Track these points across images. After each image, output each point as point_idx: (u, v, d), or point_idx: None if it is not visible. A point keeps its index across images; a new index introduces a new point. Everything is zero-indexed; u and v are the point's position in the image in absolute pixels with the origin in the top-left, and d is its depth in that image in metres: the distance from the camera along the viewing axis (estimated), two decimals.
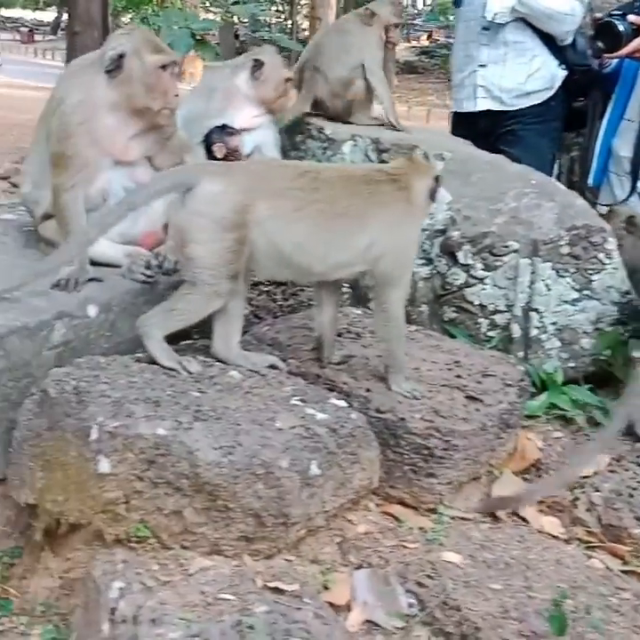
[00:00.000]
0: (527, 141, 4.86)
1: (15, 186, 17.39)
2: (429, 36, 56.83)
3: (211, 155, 4.27)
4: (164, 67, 3.41)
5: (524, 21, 4.93)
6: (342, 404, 3.14)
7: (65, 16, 39.35)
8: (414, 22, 57.36)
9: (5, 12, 64.15)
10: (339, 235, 3.08)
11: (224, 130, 4.35)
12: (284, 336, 3.67)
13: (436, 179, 3.26)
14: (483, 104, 5.13)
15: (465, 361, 3.59)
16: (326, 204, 3.05)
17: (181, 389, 2.99)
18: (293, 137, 4.86)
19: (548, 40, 4.96)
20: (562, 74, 5.01)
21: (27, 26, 52.99)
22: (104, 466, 2.75)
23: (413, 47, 54.55)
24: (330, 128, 4.67)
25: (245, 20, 23.93)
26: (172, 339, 3.34)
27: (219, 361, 3.26)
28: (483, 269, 3.92)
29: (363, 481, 3.04)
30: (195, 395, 2.97)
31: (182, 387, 3.02)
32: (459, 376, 3.47)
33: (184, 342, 3.46)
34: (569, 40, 4.99)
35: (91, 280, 3.33)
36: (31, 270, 3.24)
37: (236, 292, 3.14)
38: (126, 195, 3.10)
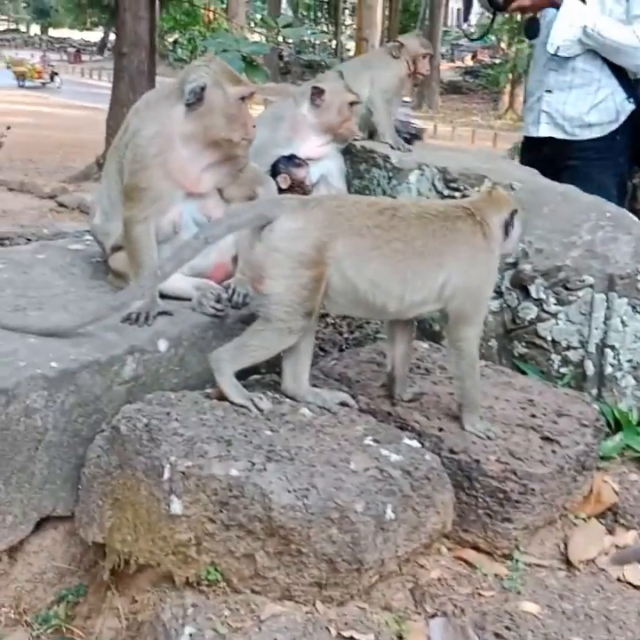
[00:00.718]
0: (589, 176, 4.70)
1: (62, 205, 17.63)
2: (474, 57, 56.96)
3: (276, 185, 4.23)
4: (243, 98, 3.37)
5: (602, 59, 4.82)
6: (416, 444, 3.05)
7: (112, 36, 39.91)
8: (459, 43, 57.53)
9: (53, 32, 65.31)
10: (415, 274, 3.00)
11: (291, 160, 4.31)
12: (353, 371, 3.59)
13: (512, 213, 3.17)
14: (545, 130, 5.03)
15: (539, 399, 3.49)
16: (403, 243, 2.98)
17: (253, 428, 2.93)
18: (357, 165, 4.80)
19: (619, 72, 4.83)
20: (629, 108, 4.87)
21: (74, 46, 53.83)
22: (176, 507, 2.69)
23: (458, 67, 54.71)
24: (395, 157, 4.60)
25: (291, 42, 24.07)
26: (241, 373, 3.28)
27: (289, 398, 3.20)
28: (556, 304, 3.82)
29: (436, 525, 2.94)
30: (267, 433, 2.91)
31: (254, 425, 2.95)
32: (533, 415, 3.37)
33: (253, 377, 3.41)
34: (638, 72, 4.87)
35: (161, 313, 3.29)
36: (103, 303, 3.20)
37: (308, 329, 3.07)
38: (203, 228, 3.05)
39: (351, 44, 44.17)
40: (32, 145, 24.12)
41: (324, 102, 4.52)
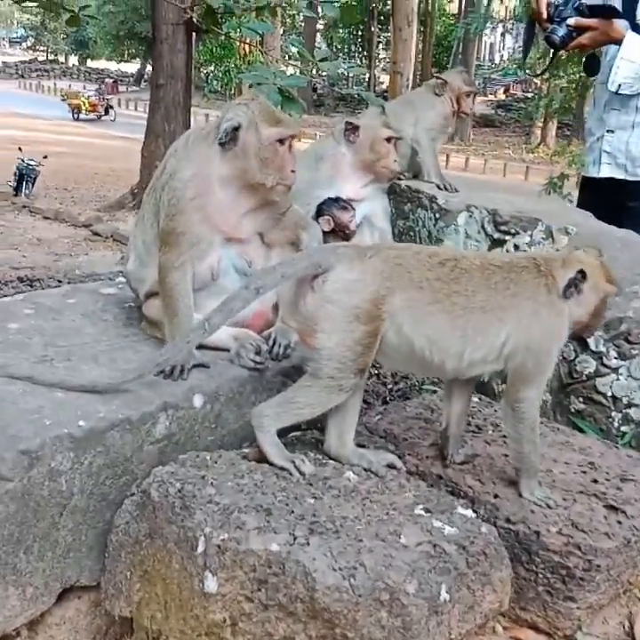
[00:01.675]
0: None
1: (96, 234, 17.61)
2: (506, 90, 57.02)
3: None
4: (281, 141, 3.18)
5: None
6: (470, 514, 2.81)
7: (148, 67, 40.27)
8: (492, 76, 57.58)
9: (91, 64, 66.18)
10: (476, 331, 2.77)
11: (336, 203, 4.11)
12: (399, 428, 3.36)
13: (580, 272, 2.88)
14: (606, 171, 4.79)
15: (600, 462, 3.23)
16: (464, 297, 2.75)
17: (294, 494, 2.70)
18: (401, 205, 4.60)
19: None
20: None
21: (111, 77, 54.44)
22: (211, 584, 2.47)
23: (490, 101, 54.74)
24: (442, 197, 4.39)
25: (326, 75, 24.11)
26: (282, 430, 3.07)
27: (332, 459, 2.97)
28: (616, 358, 3.57)
29: (493, 604, 2.69)
30: (309, 501, 2.68)
31: (295, 491, 2.73)
32: (595, 480, 3.11)
33: (293, 434, 3.19)
34: None
35: (196, 366, 3.08)
36: (145, 359, 3.02)
37: (358, 386, 2.85)
38: (253, 277, 2.83)
39: (385, 77, 44.31)
40: (68, 174, 24.31)
41: (359, 138, 4.34)
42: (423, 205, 4.45)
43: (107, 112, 42.24)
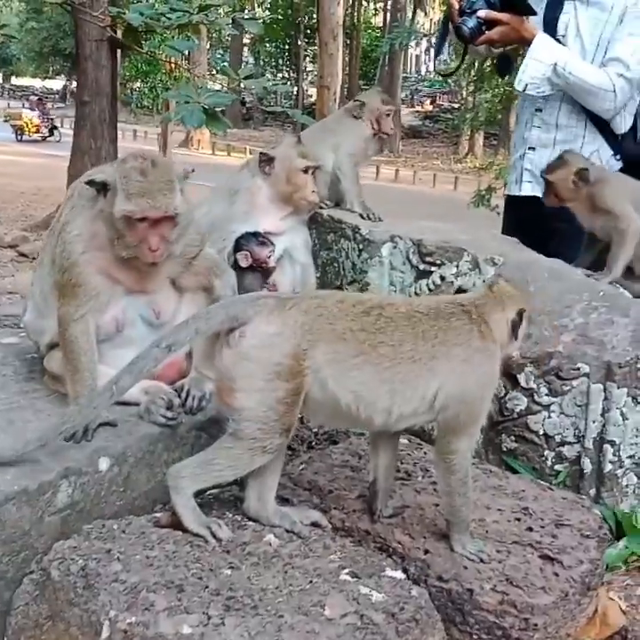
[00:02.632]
0: (577, 239, 4.35)
1: (23, 254, 17.18)
2: (433, 101, 57.55)
3: (236, 262, 3.83)
4: (139, 218, 2.86)
5: (579, 105, 4.50)
6: (399, 575, 2.64)
7: (74, 84, 39.62)
8: (418, 88, 58.12)
9: (16, 81, 65.10)
10: (404, 383, 2.60)
11: (255, 238, 3.91)
12: (325, 478, 3.17)
13: (520, 312, 2.76)
14: (528, 188, 4.70)
15: (534, 507, 3.09)
16: (391, 348, 2.58)
17: (209, 565, 2.50)
18: (324, 235, 4.43)
19: (604, 127, 4.51)
20: (616, 165, 4.55)
21: (36, 94, 53.50)
22: None
23: (417, 112, 55.15)
24: (366, 228, 4.23)
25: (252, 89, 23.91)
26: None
27: (252, 520, 2.77)
28: (548, 394, 3.44)
29: None
30: (226, 573, 2.48)
31: (210, 561, 2.53)
32: (530, 528, 2.97)
33: (210, 492, 2.98)
34: (622, 126, 4.55)
35: (102, 425, 2.85)
36: (47, 425, 2.77)
37: (283, 445, 2.66)
38: (164, 334, 2.60)
39: (313, 91, 44.35)
40: None
41: (274, 170, 4.11)
42: (346, 236, 4.29)
43: (51, 133, 40.36)
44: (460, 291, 3.02)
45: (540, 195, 4.57)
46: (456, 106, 50.40)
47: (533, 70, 4.35)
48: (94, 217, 2.92)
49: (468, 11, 4.26)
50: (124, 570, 2.42)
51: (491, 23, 4.28)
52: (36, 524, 2.58)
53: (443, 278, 3.94)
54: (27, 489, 2.56)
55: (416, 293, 4.02)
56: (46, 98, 53.72)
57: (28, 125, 40.22)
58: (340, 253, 4.33)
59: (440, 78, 47.10)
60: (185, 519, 2.65)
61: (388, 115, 4.74)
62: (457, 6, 4.31)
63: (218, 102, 6.63)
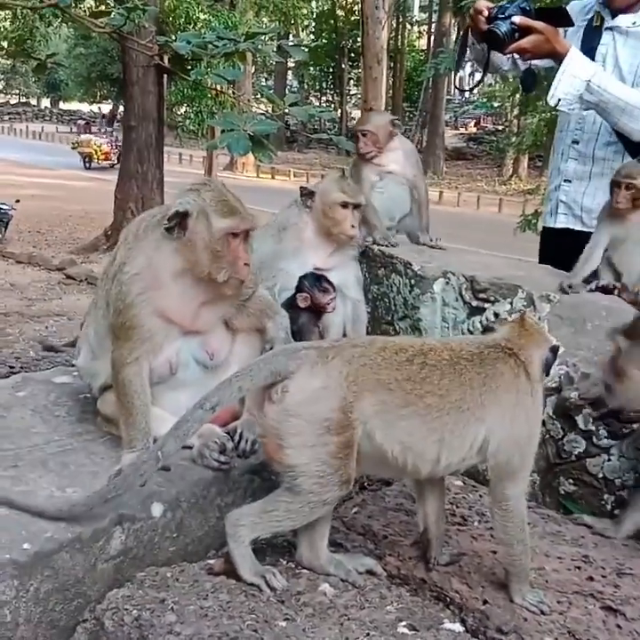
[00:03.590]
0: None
1: (70, 277, 17.37)
2: (477, 123, 57.51)
3: (292, 299, 3.80)
4: (234, 234, 2.94)
5: (617, 139, 4.40)
6: (458, 628, 2.57)
7: (121, 108, 40.04)
8: (463, 109, 58.07)
9: (64, 105, 66.19)
10: (453, 433, 2.54)
11: (319, 283, 3.86)
12: (379, 523, 3.11)
13: (553, 349, 2.72)
14: (562, 221, 4.63)
15: (595, 555, 3.00)
16: (438, 398, 2.52)
17: (264, 616, 2.45)
18: (375, 270, 4.39)
19: None
20: None
21: (84, 118, 54.30)
22: None
23: (461, 134, 55.13)
24: (418, 263, 4.17)
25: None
26: None
27: (305, 568, 2.72)
28: (607, 437, 3.35)
29: None
30: (281, 625, 2.43)
31: (265, 611, 2.48)
32: (591, 578, 2.88)
33: (263, 537, 2.93)
34: None
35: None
36: (94, 463, 2.82)
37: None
38: (207, 394, 2.55)
39: (356, 113, 44.46)
40: (41, 217, 24.11)
41: (314, 204, 4.05)
42: (398, 271, 4.24)
43: (119, 160, 40.51)
44: (487, 329, 2.95)
45: (574, 227, 4.49)
46: (500, 128, 50.32)
47: (567, 85, 4.21)
48: (156, 254, 2.92)
49: (502, 16, 4.14)
50: (178, 621, 2.38)
51: (524, 31, 4.17)
52: (90, 572, 2.56)
53: (497, 315, 3.87)
54: (80, 536, 2.54)
55: (469, 331, 3.96)
56: (93, 122, 54.53)
57: (96, 152, 39.93)
58: (391, 288, 4.28)
59: (484, 100, 47.05)
60: (240, 568, 2.61)
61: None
62: (486, 13, 4.18)
63: (264, 130, 6.63)
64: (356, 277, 4.11)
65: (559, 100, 4.21)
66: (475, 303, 3.96)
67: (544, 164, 37.76)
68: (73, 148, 41.16)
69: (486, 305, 3.92)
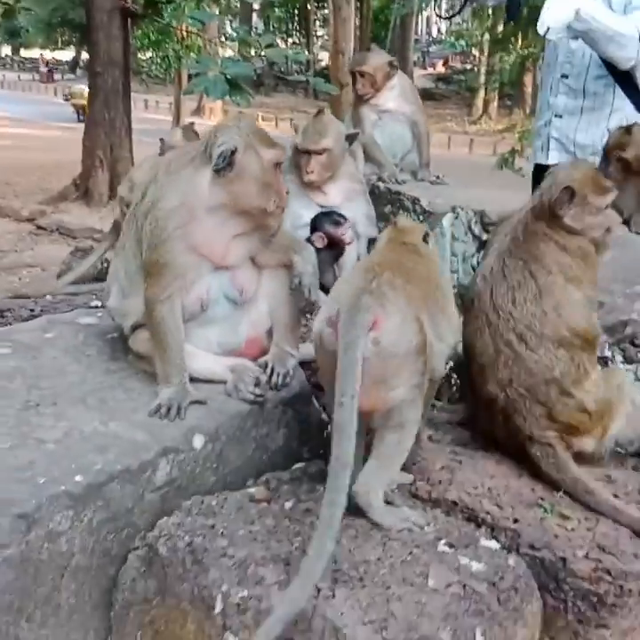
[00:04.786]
0: None
1: (41, 228, 17.18)
2: (445, 63, 56.99)
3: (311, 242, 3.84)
4: (278, 163, 2.99)
5: (608, 71, 4.41)
6: (494, 545, 2.67)
7: (84, 55, 39.14)
8: (430, 50, 57.55)
9: (25, 53, 64.70)
10: None
11: (329, 218, 3.90)
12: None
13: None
14: (555, 157, 4.65)
15: (616, 475, 3.11)
16: None
17: (311, 538, 2.52)
18: (381, 208, 4.43)
19: (632, 93, 4.43)
20: None
21: (47, 66, 53.13)
22: None
23: (430, 74, 54.63)
24: (426, 199, 4.22)
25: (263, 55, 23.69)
26: (283, 460, 3.02)
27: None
28: (623, 362, 3.45)
29: (524, 639, 2.55)
30: None
31: (310, 534, 2.54)
32: (615, 495, 2.98)
33: (297, 466, 3.02)
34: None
35: (193, 403, 2.88)
36: (132, 397, 2.87)
37: None
38: (343, 390, 2.42)
39: (323, 55, 43.90)
40: (8, 167, 23.69)
41: None
42: (405, 208, 4.30)
43: None
44: None
45: None
46: (468, 67, 49.96)
47: (557, 13, 4.18)
48: (191, 190, 2.94)
49: None
50: (230, 545, 2.46)
51: None
52: (138, 502, 2.62)
53: None
54: (129, 468, 2.60)
55: (478, 263, 4.03)
56: (56, 69, 53.41)
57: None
58: None
59: (452, 39, 46.61)
60: (386, 523, 2.66)
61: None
62: None
63: (240, 73, 6.59)
64: (367, 213, 4.15)
65: (548, 28, 4.21)
66: (484, 237, 4.03)
67: (513, 103, 37.69)
68: (65, 100, 40.05)
69: None
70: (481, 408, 3.08)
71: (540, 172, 4.87)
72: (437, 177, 4.69)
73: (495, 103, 41.03)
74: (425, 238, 2.96)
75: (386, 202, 4.42)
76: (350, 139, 4.07)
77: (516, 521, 2.83)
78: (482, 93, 39.84)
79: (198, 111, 39.92)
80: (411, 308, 2.59)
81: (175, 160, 3.00)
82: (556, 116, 4.63)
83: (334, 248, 3.88)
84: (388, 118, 4.73)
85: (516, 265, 2.97)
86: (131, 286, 3.05)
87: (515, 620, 2.48)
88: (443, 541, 2.62)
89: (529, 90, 34.68)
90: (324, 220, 3.91)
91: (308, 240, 3.84)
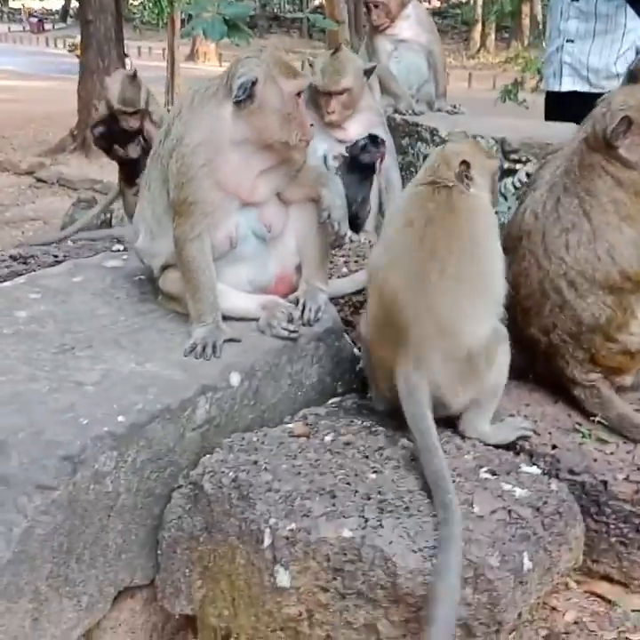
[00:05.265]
0: None
1: (41, 180, 17.02)
2: None
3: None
4: (299, 93, 2.93)
5: None
6: (535, 471, 2.68)
7: (74, 3, 38.47)
8: None
9: (13, 3, 63.69)
10: None
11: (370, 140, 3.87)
12: None
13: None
14: (568, 83, 4.58)
15: None
16: None
17: (354, 471, 2.55)
18: (398, 139, 4.37)
19: None
20: None
21: (35, 15, 52.32)
22: (283, 578, 2.33)
23: (425, 9, 53.86)
24: (444, 129, 4.16)
25: None
26: (317, 395, 3.03)
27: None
28: None
29: (569, 563, 2.59)
30: (371, 477, 2.53)
31: (353, 466, 2.57)
32: None
33: (332, 401, 3.03)
34: None
35: (227, 341, 2.87)
36: (165, 338, 2.88)
37: None
38: None
39: None
40: (3, 121, 23.42)
41: None
42: (423, 139, 4.24)
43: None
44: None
45: (580, 89, 4.45)
46: (464, 0, 49.10)
47: None
48: (216, 124, 2.89)
49: None
50: (275, 479, 2.47)
51: None
52: (179, 441, 2.63)
53: (528, 175, 3.89)
54: (169, 407, 2.60)
55: (501, 193, 3.98)
56: (46, 19, 52.60)
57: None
58: (418, 157, 4.28)
59: None
60: (502, 439, 2.79)
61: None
62: None
63: (239, 13, 6.45)
64: (389, 142, 4.09)
65: None
66: (506, 165, 3.97)
67: (511, 35, 37.11)
68: (70, 52, 39.13)
69: (518, 166, 3.94)
70: (520, 346, 3.05)
71: (552, 99, 4.81)
72: (454, 106, 4.63)
73: (492, 36, 40.41)
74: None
75: (403, 134, 4.36)
76: (368, 73, 4.01)
77: (554, 447, 2.84)
78: (479, 27, 39.21)
79: (192, 56, 39.35)
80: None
81: (199, 94, 2.94)
82: (567, 40, 4.56)
83: (363, 172, 3.84)
84: (404, 48, 4.65)
85: (570, 202, 2.88)
86: (158, 226, 3.02)
87: (559, 545, 2.51)
88: (484, 469, 2.63)
89: (527, 22, 34.15)
90: (368, 144, 3.86)
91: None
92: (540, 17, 29.24)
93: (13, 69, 35.55)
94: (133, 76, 4.58)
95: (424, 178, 2.79)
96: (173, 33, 23.24)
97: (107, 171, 17.69)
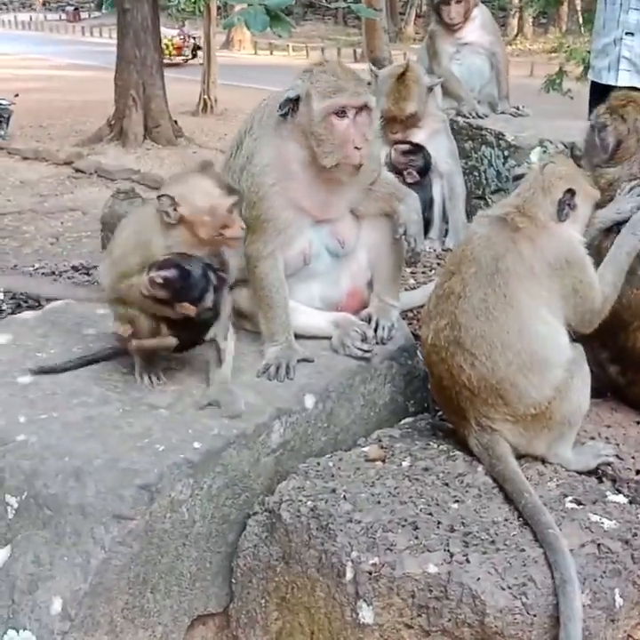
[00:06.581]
0: None
1: (79, 171, 17.04)
2: None
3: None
4: (340, 113, 2.77)
5: None
6: (622, 500, 2.59)
7: None
8: None
9: None
10: None
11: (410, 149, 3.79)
12: None
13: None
14: (625, 78, 4.42)
15: None
16: None
17: (434, 499, 2.47)
18: (461, 143, 4.27)
19: None
20: None
21: (72, 4, 52.42)
22: (366, 614, 2.27)
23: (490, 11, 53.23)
24: (511, 133, 4.05)
25: None
26: (390, 415, 2.94)
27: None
28: None
29: None
30: (453, 507, 2.45)
31: (434, 495, 2.49)
32: None
33: (405, 421, 2.94)
34: None
35: (300, 361, 2.79)
36: (241, 364, 2.81)
37: None
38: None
39: None
40: (41, 110, 23.50)
41: None
42: (488, 143, 4.14)
43: (194, 54, 34.51)
44: None
45: (639, 85, 4.29)
46: None
47: None
48: (282, 142, 2.83)
49: None
50: (355, 509, 2.39)
51: None
52: (254, 466, 2.56)
53: None
54: (245, 432, 2.53)
55: None
56: (82, 7, 52.65)
57: (168, 47, 35.11)
58: (482, 161, 4.19)
59: None
60: (584, 466, 2.70)
61: None
62: None
63: (280, 3, 6.34)
64: (448, 149, 4.02)
65: None
66: None
67: (549, 21, 36.60)
68: None
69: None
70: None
71: (599, 92, 4.65)
72: (517, 108, 4.52)
73: (530, 22, 39.89)
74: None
75: (466, 137, 4.26)
76: (431, 88, 3.97)
77: (637, 472, 2.73)
78: (516, 12, 38.73)
79: (227, 44, 39.27)
80: None
81: (267, 109, 2.86)
82: (627, 33, 4.39)
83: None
84: (467, 51, 4.56)
85: None
86: None
87: None
88: (569, 498, 2.54)
89: (565, 7, 33.68)
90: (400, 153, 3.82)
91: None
92: (578, 3, 28.79)
93: (50, 59, 35.68)
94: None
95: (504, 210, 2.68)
96: (209, 21, 23.18)
97: (143, 160, 17.72)
